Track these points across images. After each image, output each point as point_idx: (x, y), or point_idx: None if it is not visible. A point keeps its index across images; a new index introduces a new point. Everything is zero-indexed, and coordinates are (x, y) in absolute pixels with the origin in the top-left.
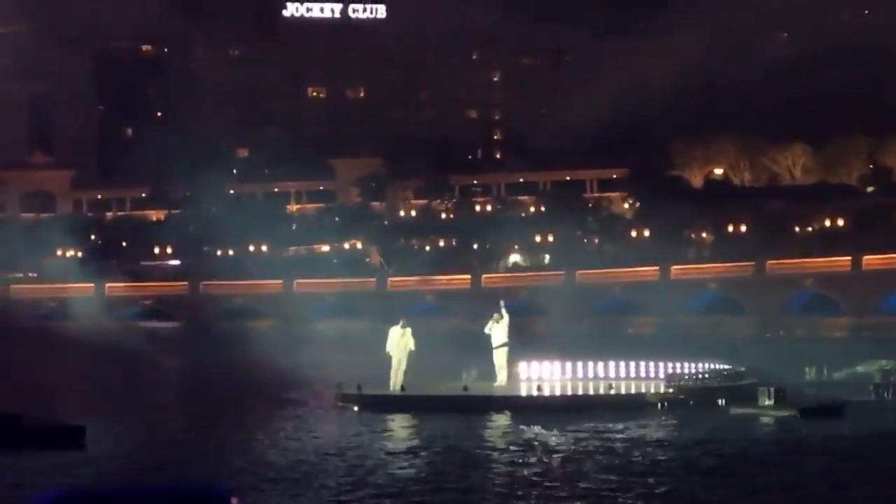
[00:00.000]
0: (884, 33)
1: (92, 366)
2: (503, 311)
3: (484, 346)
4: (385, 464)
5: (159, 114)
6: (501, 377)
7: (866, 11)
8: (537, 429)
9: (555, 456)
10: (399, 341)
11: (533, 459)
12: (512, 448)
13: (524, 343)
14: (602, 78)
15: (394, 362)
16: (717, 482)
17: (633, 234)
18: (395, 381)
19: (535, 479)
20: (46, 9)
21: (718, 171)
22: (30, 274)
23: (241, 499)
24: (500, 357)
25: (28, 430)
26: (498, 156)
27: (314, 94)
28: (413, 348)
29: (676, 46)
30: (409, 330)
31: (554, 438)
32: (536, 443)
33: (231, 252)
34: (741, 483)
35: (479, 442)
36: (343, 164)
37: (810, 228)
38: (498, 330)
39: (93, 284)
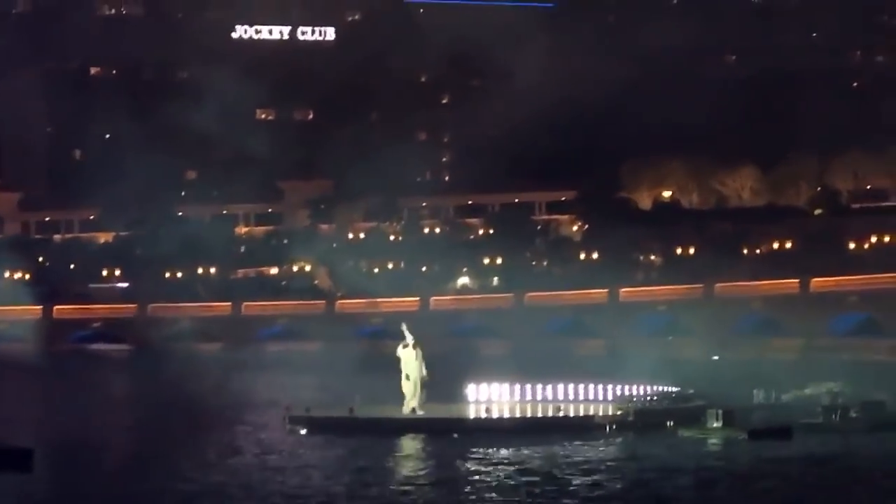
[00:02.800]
0: (831, 56)
1: (40, 389)
2: (406, 334)
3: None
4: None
5: (108, 136)
6: (410, 402)
7: (814, 34)
8: (483, 451)
9: (494, 478)
10: (414, 363)
11: (469, 484)
12: (444, 472)
13: (471, 365)
14: (551, 100)
15: (410, 384)
16: None
17: (582, 256)
18: (415, 402)
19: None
20: None
21: (667, 194)
22: None
23: None
24: (405, 382)
25: None
26: (447, 178)
27: (263, 116)
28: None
29: (625, 69)
30: (420, 351)
31: (496, 461)
32: (478, 465)
33: (179, 274)
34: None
35: (414, 464)
36: (292, 186)
37: (759, 250)
38: (405, 354)
39: (41, 307)
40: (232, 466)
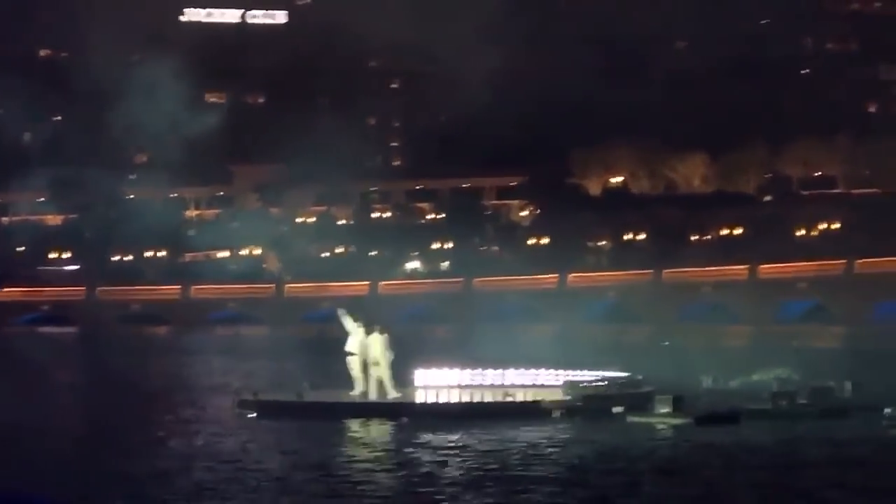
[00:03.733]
0: (782, 43)
1: None
2: (343, 318)
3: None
4: (268, 470)
5: (57, 118)
6: (357, 386)
7: (764, 21)
8: (430, 435)
9: (440, 462)
10: (379, 347)
11: (414, 467)
12: (392, 455)
13: (420, 350)
14: (501, 85)
15: (381, 371)
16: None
17: (532, 241)
18: (389, 388)
19: (412, 487)
20: None
21: (617, 180)
22: None
23: None
24: (350, 365)
25: None
26: (397, 163)
27: (213, 99)
28: (385, 358)
29: (576, 54)
30: (386, 336)
31: (443, 445)
32: (424, 449)
33: (129, 257)
34: (627, 491)
35: (361, 447)
36: (242, 170)
37: (708, 237)
38: (350, 338)
39: None
40: (178, 450)
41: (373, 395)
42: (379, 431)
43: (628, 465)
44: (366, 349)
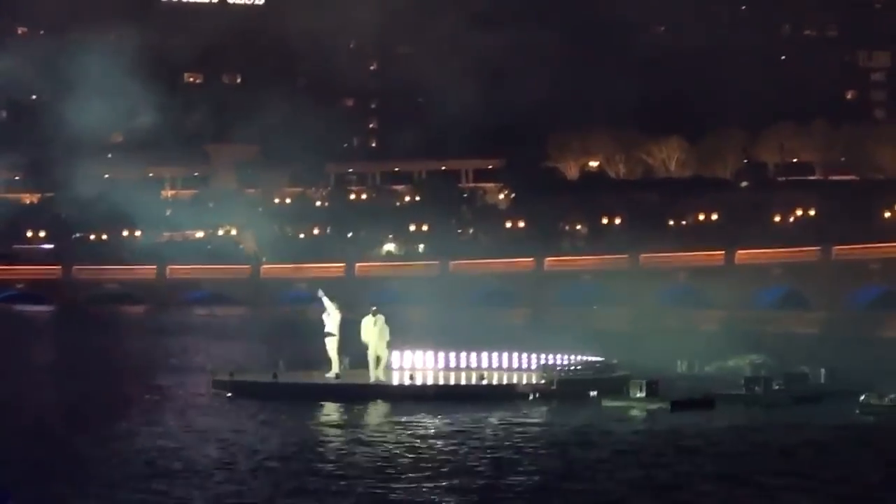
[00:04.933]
0: (760, 29)
1: None
2: (324, 300)
3: (351, 336)
4: (238, 451)
5: (34, 97)
6: (333, 367)
7: (743, 7)
8: (405, 418)
9: (414, 443)
10: (373, 331)
11: (388, 448)
12: (366, 437)
13: (395, 332)
14: (478, 69)
15: (370, 353)
16: (562, 476)
17: (508, 224)
18: (375, 373)
19: (378, 468)
20: None
21: (594, 164)
22: None
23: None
24: (328, 346)
25: None
26: (373, 144)
27: (191, 79)
28: (388, 338)
29: (554, 38)
30: (381, 318)
31: (417, 427)
32: (397, 431)
33: (104, 237)
34: (592, 476)
35: (334, 429)
36: (218, 150)
37: (684, 222)
38: (328, 319)
39: None
40: (154, 431)
41: (381, 377)
42: (354, 413)
43: (598, 448)
44: (342, 327)
